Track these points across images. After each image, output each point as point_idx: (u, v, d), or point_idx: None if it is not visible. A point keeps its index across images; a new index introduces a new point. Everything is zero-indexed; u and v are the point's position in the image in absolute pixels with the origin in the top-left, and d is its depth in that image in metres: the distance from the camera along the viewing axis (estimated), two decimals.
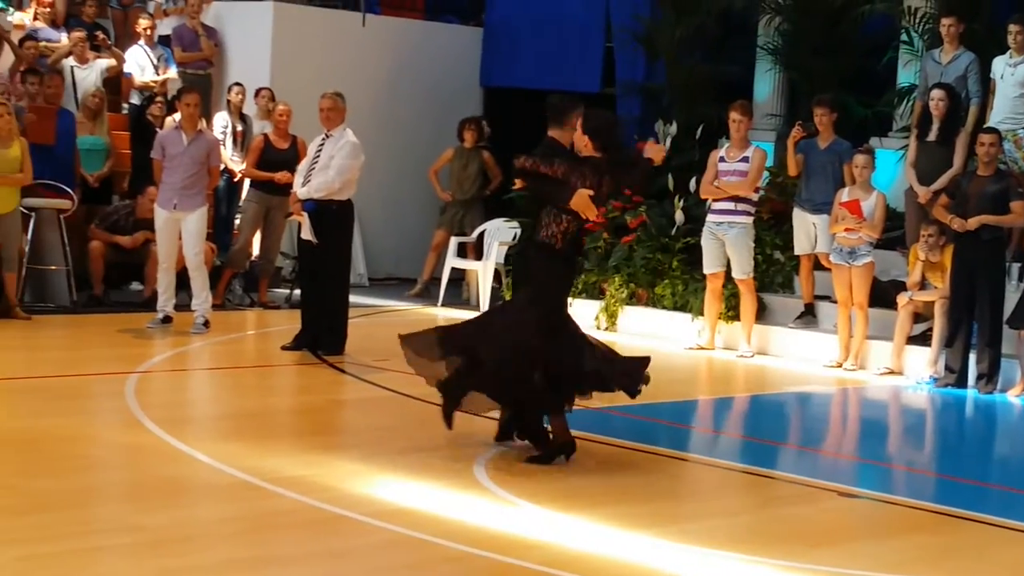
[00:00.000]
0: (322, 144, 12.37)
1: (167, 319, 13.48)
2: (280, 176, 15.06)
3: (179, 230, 13.36)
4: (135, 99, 17.42)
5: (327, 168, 12.22)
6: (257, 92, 16.75)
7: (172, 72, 17.49)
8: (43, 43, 16.88)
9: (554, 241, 8.81)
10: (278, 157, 15.17)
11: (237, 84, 16.68)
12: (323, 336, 12.44)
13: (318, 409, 10.33)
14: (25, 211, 14.02)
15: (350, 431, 9.58)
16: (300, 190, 12.33)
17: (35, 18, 17.55)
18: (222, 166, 14.63)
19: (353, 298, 14.19)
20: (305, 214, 12.22)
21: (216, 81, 17.80)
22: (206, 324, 13.37)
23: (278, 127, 15.50)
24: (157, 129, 15.90)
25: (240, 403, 10.69)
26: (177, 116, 14.39)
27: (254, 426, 9.54)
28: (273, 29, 18.01)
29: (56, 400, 9.93)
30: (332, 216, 12.21)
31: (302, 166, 12.58)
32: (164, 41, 17.82)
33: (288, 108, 15.58)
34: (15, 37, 16.82)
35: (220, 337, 13.33)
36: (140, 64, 17.45)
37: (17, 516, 6.79)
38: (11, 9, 17.67)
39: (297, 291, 16.10)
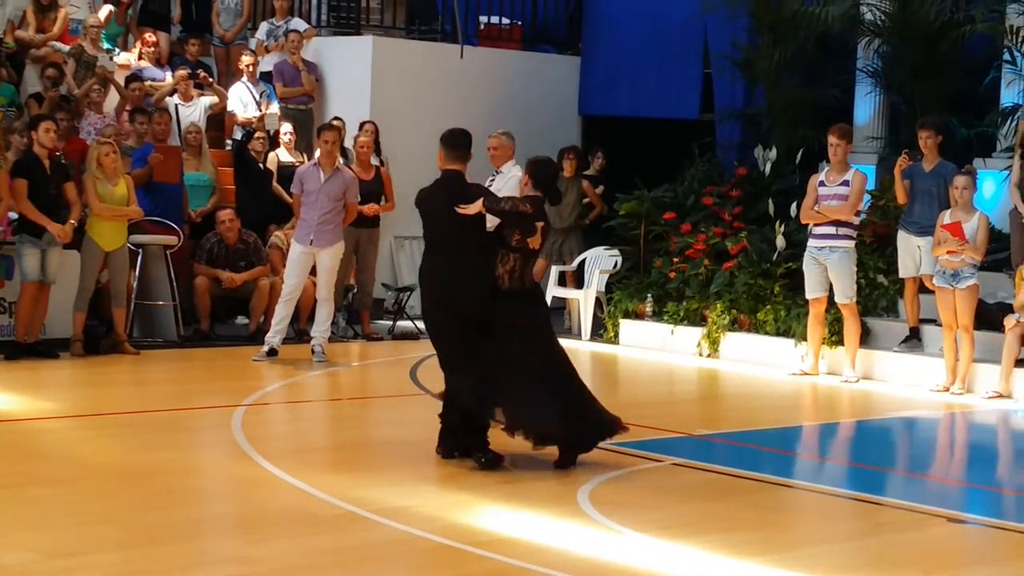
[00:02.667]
0: (492, 180, 12.66)
1: (273, 352, 13.64)
2: (368, 209, 15.14)
3: (312, 265, 13.59)
4: (238, 135, 17.64)
5: None
6: (361, 126, 16.89)
7: (274, 107, 17.70)
8: (148, 82, 17.17)
9: (501, 283, 9.25)
10: (363, 189, 15.28)
11: (337, 118, 16.84)
12: None
13: (420, 440, 10.36)
14: (133, 248, 14.24)
15: (452, 462, 9.62)
16: None
17: (140, 58, 17.85)
18: None
19: None
20: None
21: (317, 115, 18.00)
22: (323, 353, 13.63)
23: (360, 159, 15.57)
24: (261, 165, 16.12)
25: (344, 434, 10.78)
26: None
27: (358, 457, 9.62)
28: (372, 63, 18.18)
29: (165, 434, 10.07)
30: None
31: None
32: (266, 77, 18.05)
33: (368, 140, 15.72)
34: (120, 77, 17.12)
35: (325, 369, 13.46)
36: (243, 100, 17.69)
37: (129, 549, 6.90)
38: (117, 50, 17.97)
39: (400, 323, 16.28)
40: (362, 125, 16.91)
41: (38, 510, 7.65)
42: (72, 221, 13.35)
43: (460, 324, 9.20)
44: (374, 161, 16.29)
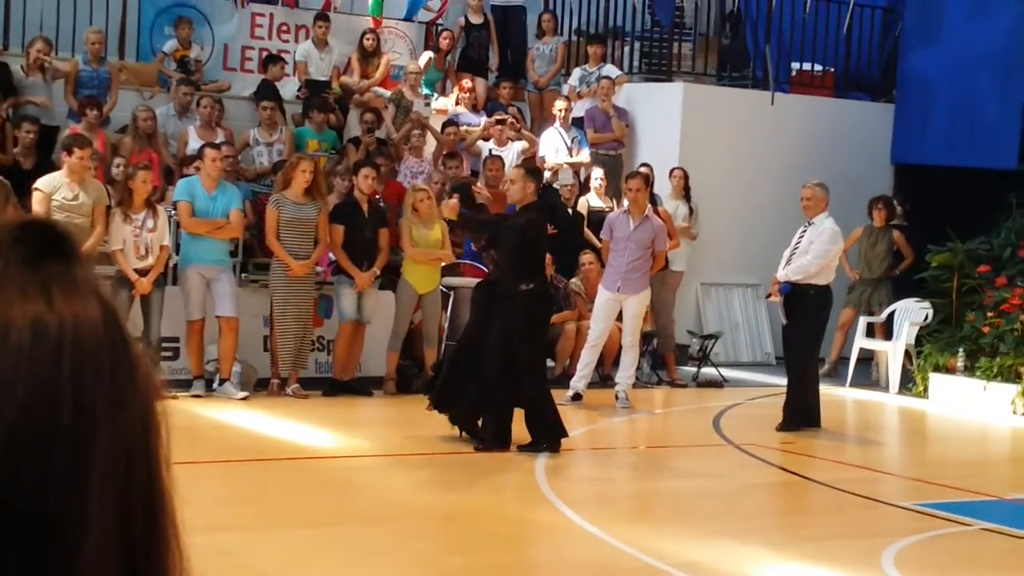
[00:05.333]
0: (804, 231, 12.74)
1: (577, 396, 13.82)
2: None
3: (618, 311, 13.77)
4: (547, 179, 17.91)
5: (805, 253, 12.69)
6: (671, 172, 16.98)
7: (584, 153, 17.91)
8: (464, 127, 17.62)
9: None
10: None
11: (645, 164, 16.96)
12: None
13: (723, 493, 10.37)
14: (445, 290, 14.64)
15: (755, 515, 9.58)
16: (779, 273, 12.88)
17: (457, 103, 18.34)
18: None
19: (761, 376, 14.19)
20: (781, 296, 12.77)
21: (627, 161, 18.17)
22: (627, 399, 13.71)
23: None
24: (570, 210, 16.36)
25: (645, 483, 10.84)
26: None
27: (660, 508, 9.68)
28: (683, 109, 18.28)
29: (473, 476, 10.32)
30: (808, 299, 12.60)
31: (786, 251, 12.98)
32: (577, 123, 18.31)
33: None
34: (437, 121, 17.62)
35: (628, 416, 13.57)
36: (554, 146, 17.96)
37: None
38: (435, 95, 18.52)
39: (705, 370, 16.28)
40: (671, 171, 17.01)
41: (354, 548, 7.95)
42: (375, 269, 13.82)
43: None
44: (682, 209, 16.41)
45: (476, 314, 11.53)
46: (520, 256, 11.27)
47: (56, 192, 12.60)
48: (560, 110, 18.09)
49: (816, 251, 12.72)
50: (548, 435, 11.22)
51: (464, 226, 11.66)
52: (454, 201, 11.81)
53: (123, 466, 1.05)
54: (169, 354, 13.65)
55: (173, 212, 13.52)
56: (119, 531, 1.05)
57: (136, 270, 12.83)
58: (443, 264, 14.45)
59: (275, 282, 13.61)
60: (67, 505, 1.02)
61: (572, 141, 17.95)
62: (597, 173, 17.01)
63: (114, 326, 1.07)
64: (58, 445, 1.02)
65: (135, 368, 1.07)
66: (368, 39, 17.77)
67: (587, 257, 15.62)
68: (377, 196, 14.94)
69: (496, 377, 10.97)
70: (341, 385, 13.76)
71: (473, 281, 15.03)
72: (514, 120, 17.91)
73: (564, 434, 11.29)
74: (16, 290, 1.03)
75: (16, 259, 1.04)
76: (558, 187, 16.99)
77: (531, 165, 12.09)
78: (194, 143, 15.06)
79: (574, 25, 20.20)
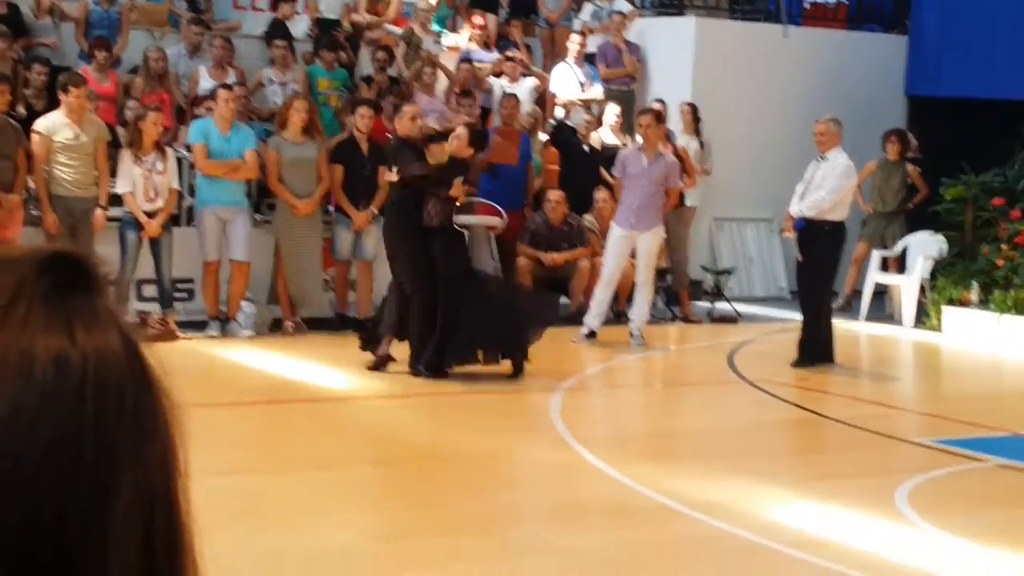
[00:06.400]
0: (817, 165, 12.74)
1: (592, 334, 13.83)
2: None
3: (631, 248, 13.76)
4: (560, 114, 17.84)
5: (819, 188, 12.65)
6: (680, 107, 16.91)
7: (597, 89, 17.84)
8: (476, 64, 17.53)
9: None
10: None
11: (659, 100, 16.89)
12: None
13: (737, 430, 10.39)
14: (459, 228, 14.58)
15: (769, 454, 9.61)
16: (793, 208, 12.84)
17: (469, 40, 18.22)
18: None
19: (775, 312, 14.18)
20: (795, 232, 12.78)
21: (639, 97, 18.10)
22: (642, 336, 13.71)
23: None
24: (585, 147, 16.31)
25: (660, 422, 10.88)
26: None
27: (674, 447, 9.72)
28: (695, 44, 18.19)
29: (486, 416, 10.36)
30: (822, 235, 12.53)
31: (798, 186, 12.92)
32: (589, 58, 18.21)
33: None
34: (448, 59, 17.52)
35: (643, 353, 13.58)
36: (566, 81, 17.87)
37: (447, 535, 7.14)
38: (446, 32, 18.42)
39: (719, 305, 16.28)
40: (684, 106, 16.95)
41: (365, 491, 8.01)
42: (373, 208, 13.82)
43: None
44: (692, 143, 16.35)
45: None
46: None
47: (56, 133, 12.60)
48: (575, 45, 17.97)
49: (830, 186, 12.68)
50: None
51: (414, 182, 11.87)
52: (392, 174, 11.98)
53: (145, 502, 1.05)
54: (183, 295, 13.70)
55: (187, 154, 13.51)
56: (140, 568, 1.05)
57: (145, 212, 12.85)
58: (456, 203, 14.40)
59: (280, 223, 13.65)
60: (89, 542, 1.02)
61: (585, 77, 17.87)
62: (614, 109, 16.89)
63: (137, 359, 1.07)
64: (80, 481, 1.02)
65: (157, 402, 1.07)
66: None
67: (601, 194, 15.58)
68: (388, 134, 14.91)
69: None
70: (350, 322, 13.78)
71: (489, 219, 15.03)
72: (522, 59, 17.81)
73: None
74: (40, 324, 1.02)
75: (40, 292, 1.04)
76: (573, 125, 16.93)
77: (477, 129, 12.56)
78: (206, 83, 15.03)
79: None
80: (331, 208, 14.35)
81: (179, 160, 13.58)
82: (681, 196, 15.25)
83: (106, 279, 1.08)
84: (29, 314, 1.02)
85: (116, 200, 13.00)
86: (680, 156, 15.20)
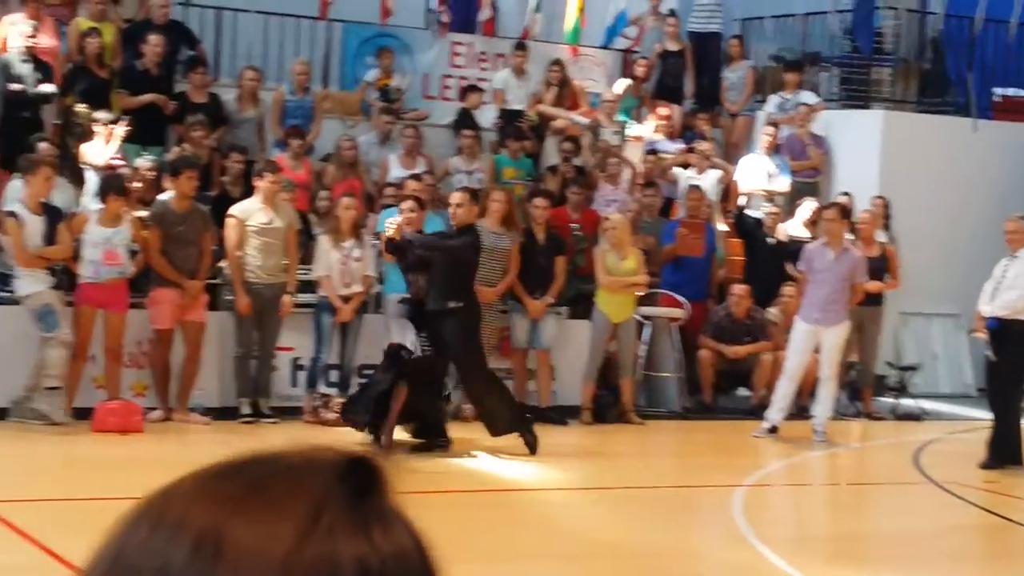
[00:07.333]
0: (1008, 264, 12.53)
1: (774, 429, 13.71)
2: (872, 286, 14.85)
3: (816, 344, 13.64)
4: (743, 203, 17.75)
5: (1012, 287, 12.44)
6: (871, 201, 16.70)
7: (784, 181, 17.64)
8: (660, 155, 17.58)
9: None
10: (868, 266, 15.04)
11: (845, 193, 16.75)
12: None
13: (925, 534, 10.21)
14: (641, 319, 14.66)
15: (956, 560, 9.41)
16: (983, 308, 12.64)
17: (654, 130, 18.29)
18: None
19: (961, 409, 13.91)
20: (987, 331, 12.57)
21: (824, 189, 17.97)
22: (824, 433, 13.55)
23: (864, 235, 15.37)
24: (771, 239, 16.23)
25: (844, 523, 10.72)
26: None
27: (859, 550, 9.58)
28: (882, 137, 18.04)
29: (669, 512, 10.33)
30: (1015, 335, 12.35)
31: (987, 284, 12.72)
32: (774, 150, 18.13)
33: (870, 216, 15.59)
34: (633, 149, 17.58)
35: (826, 450, 13.42)
36: (754, 171, 17.72)
37: None
38: (631, 122, 18.53)
39: (903, 401, 16.02)
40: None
41: None
42: (549, 298, 14.01)
43: None
44: (881, 238, 16.14)
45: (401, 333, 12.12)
46: (450, 276, 11.73)
47: (250, 218, 12.94)
48: (766, 136, 17.85)
49: (1023, 285, 12.46)
50: (519, 426, 11.91)
51: (400, 248, 11.86)
52: (398, 219, 11.96)
53: None
54: (364, 380, 13.89)
55: (376, 242, 13.79)
56: None
57: (340, 297, 13.11)
58: (639, 293, 14.47)
59: None
60: None
61: (774, 168, 17.70)
62: (810, 204, 16.61)
63: (426, 554, 1.13)
64: None
65: None
66: (553, 70, 17.84)
67: (789, 290, 15.43)
68: (573, 224, 15.07)
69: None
70: (531, 411, 13.85)
71: (672, 311, 15.06)
72: (708, 150, 17.80)
73: (528, 422, 12.05)
74: (343, 531, 1.08)
75: (343, 500, 1.09)
76: (756, 216, 16.89)
77: (473, 190, 12.76)
78: (396, 171, 15.33)
79: (770, 51, 20.09)
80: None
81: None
82: (879, 294, 15.11)
83: (392, 479, 1.14)
84: (334, 523, 1.08)
85: (305, 287, 13.29)
86: (887, 256, 15.04)
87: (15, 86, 14.22)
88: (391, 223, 11.73)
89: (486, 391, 11.99)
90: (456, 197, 12.20)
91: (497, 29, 18.99)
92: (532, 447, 11.77)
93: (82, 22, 15.12)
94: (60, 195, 12.67)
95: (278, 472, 1.11)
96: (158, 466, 11.00)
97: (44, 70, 14.38)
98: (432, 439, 11.84)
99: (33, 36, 14.34)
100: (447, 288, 11.63)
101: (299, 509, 1.07)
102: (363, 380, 12.81)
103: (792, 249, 15.85)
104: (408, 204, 11.99)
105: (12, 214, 12.02)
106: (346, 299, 13.13)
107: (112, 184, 12.57)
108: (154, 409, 12.60)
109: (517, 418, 12.05)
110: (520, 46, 18.01)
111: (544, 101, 17.92)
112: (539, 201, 14.30)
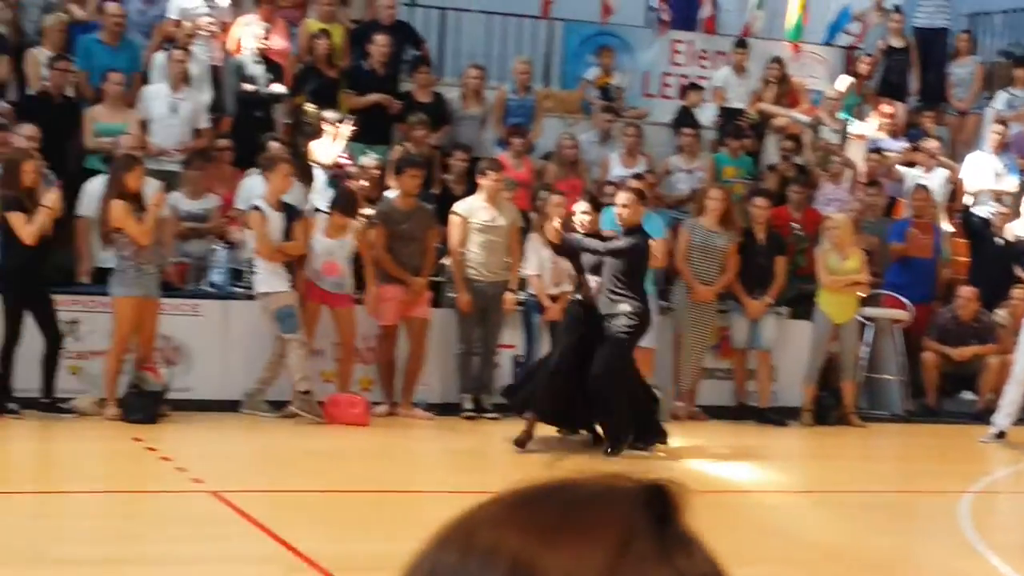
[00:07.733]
0: None
1: (1001, 434, 13.39)
2: None
3: None
4: (969, 202, 17.35)
5: None
6: None
7: (1012, 180, 17.21)
8: (884, 153, 17.29)
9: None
10: None
11: None
12: None
13: None
14: (863, 320, 14.46)
15: None
16: None
17: (878, 128, 17.99)
18: None
19: None
20: None
21: None
22: None
23: None
24: (999, 239, 15.85)
25: None
26: None
27: None
28: None
29: (890, 517, 10.15)
30: None
31: None
32: (1004, 148, 17.69)
33: None
34: (855, 147, 17.33)
35: None
36: (980, 170, 17.32)
37: None
38: (852, 119, 18.27)
39: None
40: None
41: None
42: (767, 298, 13.91)
43: None
44: None
45: (569, 335, 11.47)
46: (624, 277, 11.21)
47: (473, 216, 13.10)
48: (995, 134, 17.43)
49: None
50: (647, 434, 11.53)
51: (565, 249, 11.50)
52: (557, 223, 11.61)
53: None
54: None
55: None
56: None
57: (548, 296, 13.21)
58: (861, 294, 14.29)
59: (678, 304, 13.82)
60: None
61: (1002, 167, 17.30)
62: None
63: None
64: None
65: None
66: (773, 67, 17.67)
67: (1018, 292, 15.07)
68: (794, 224, 14.94)
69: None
70: (751, 411, 13.80)
71: (895, 313, 14.84)
72: (935, 149, 17.44)
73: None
74: (651, 557, 1.11)
75: (647, 526, 1.12)
76: (982, 215, 16.53)
77: (640, 190, 12.05)
78: (616, 170, 15.37)
79: (999, 46, 19.62)
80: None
81: None
82: None
83: (690, 504, 1.17)
84: (643, 551, 1.11)
85: (519, 283, 13.42)
86: None
87: (248, 87, 14.67)
88: (556, 225, 11.46)
89: (618, 404, 11.28)
90: (622, 197, 11.91)
91: (717, 26, 18.92)
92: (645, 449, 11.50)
93: (312, 23, 15.51)
94: (291, 192, 13.02)
95: (584, 500, 1.14)
96: (387, 459, 11.26)
97: (275, 71, 14.80)
98: (649, 437, 11.73)
99: (265, 38, 14.76)
100: (615, 290, 11.30)
101: (609, 538, 1.11)
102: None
103: (1020, 250, 15.49)
104: (582, 206, 11.61)
105: (257, 208, 12.41)
106: (555, 298, 13.21)
107: (342, 201, 12.84)
108: (380, 404, 12.87)
109: (635, 438, 11.50)
110: (741, 43, 17.91)
111: (764, 99, 17.77)
112: (759, 200, 14.24)
